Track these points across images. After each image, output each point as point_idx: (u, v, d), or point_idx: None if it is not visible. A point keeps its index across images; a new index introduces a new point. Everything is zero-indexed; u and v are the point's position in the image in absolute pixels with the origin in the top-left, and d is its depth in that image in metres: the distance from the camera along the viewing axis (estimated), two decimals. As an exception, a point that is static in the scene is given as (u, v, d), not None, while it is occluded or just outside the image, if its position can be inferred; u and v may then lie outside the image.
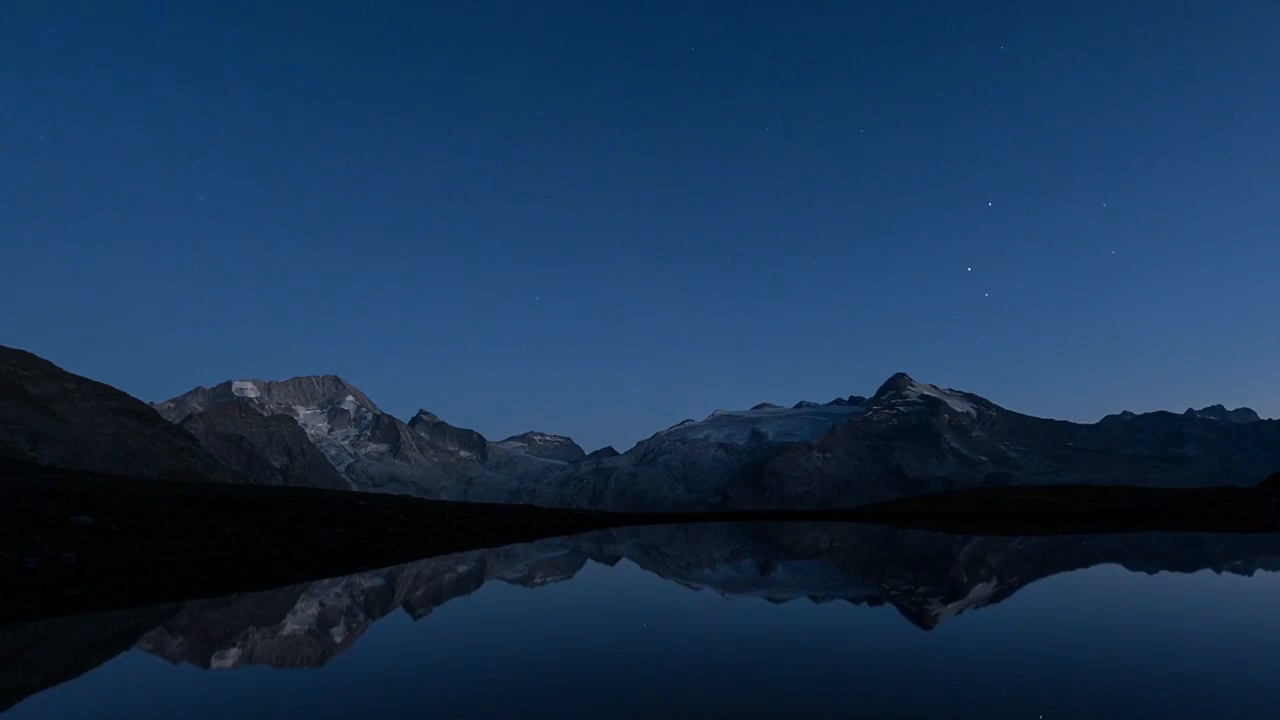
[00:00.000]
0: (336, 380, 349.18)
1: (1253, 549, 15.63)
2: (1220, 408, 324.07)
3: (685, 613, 8.08)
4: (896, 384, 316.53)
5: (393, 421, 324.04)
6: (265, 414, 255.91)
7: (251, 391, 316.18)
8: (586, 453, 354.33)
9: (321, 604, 8.69)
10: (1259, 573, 11.27)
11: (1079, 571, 11.88)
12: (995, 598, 8.60)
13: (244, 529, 19.16)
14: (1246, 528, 23.11)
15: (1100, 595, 8.78)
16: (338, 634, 6.73)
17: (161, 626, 7.56)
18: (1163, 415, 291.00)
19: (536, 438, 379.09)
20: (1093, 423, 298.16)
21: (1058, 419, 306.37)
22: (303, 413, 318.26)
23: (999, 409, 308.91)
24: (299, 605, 8.63)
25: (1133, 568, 12.20)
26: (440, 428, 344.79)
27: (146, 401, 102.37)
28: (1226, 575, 10.80)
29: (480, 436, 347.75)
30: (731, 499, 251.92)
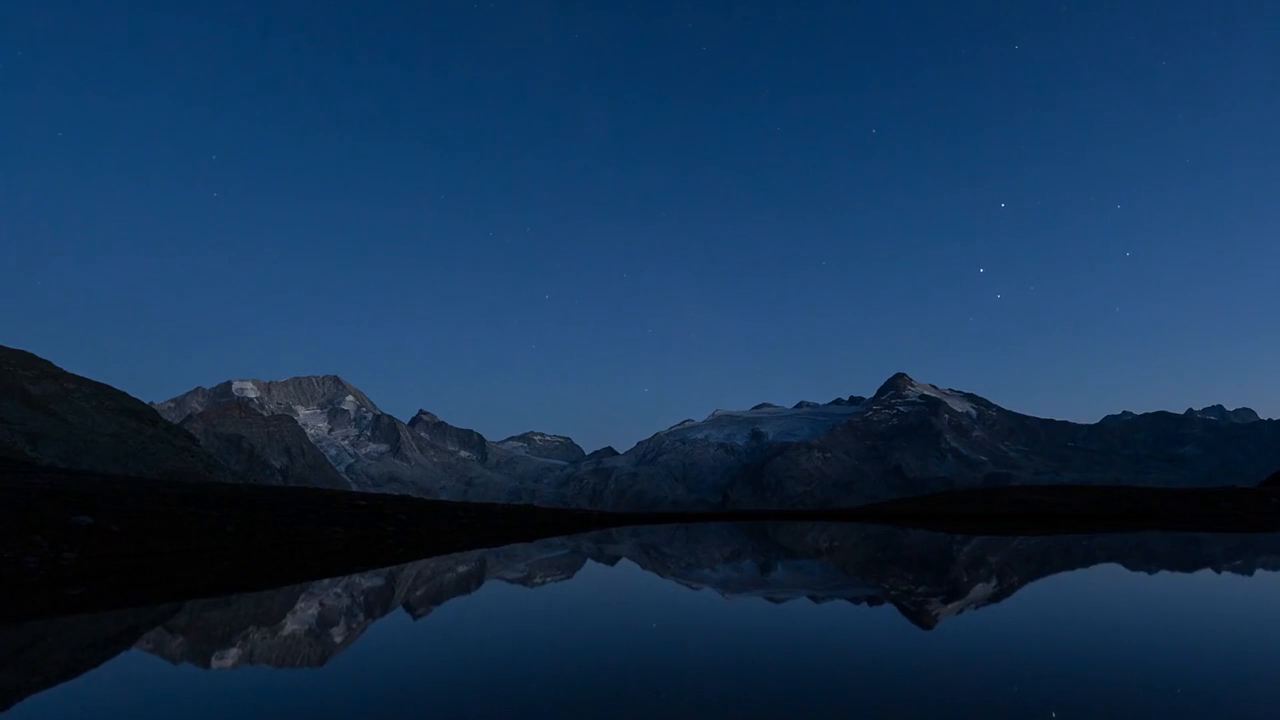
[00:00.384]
0: (336, 380, 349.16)
1: (1253, 549, 15.63)
2: (1220, 408, 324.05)
3: (686, 613, 8.08)
4: (896, 384, 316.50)
5: (393, 421, 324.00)
6: (265, 414, 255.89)
7: (251, 391, 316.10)
8: (586, 453, 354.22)
9: (321, 604, 8.69)
10: (1259, 573, 11.27)
11: (1079, 571, 11.88)
12: (995, 598, 8.60)
13: (244, 529, 19.16)
14: (1246, 528, 23.11)
15: (1100, 595, 8.77)
16: (338, 634, 6.73)
17: (161, 626, 7.56)
18: (1163, 415, 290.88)
19: (536, 438, 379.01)
20: (1093, 423, 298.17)
21: (1058, 419, 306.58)
22: (303, 413, 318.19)
23: (999, 409, 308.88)
24: (299, 605, 8.63)
25: (1133, 568, 12.20)
26: (440, 428, 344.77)
27: (146, 401, 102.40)
28: (1226, 575, 10.80)
29: (480, 436, 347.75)
30: (731, 499, 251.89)
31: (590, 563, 14.98)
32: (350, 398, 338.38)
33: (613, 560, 15.57)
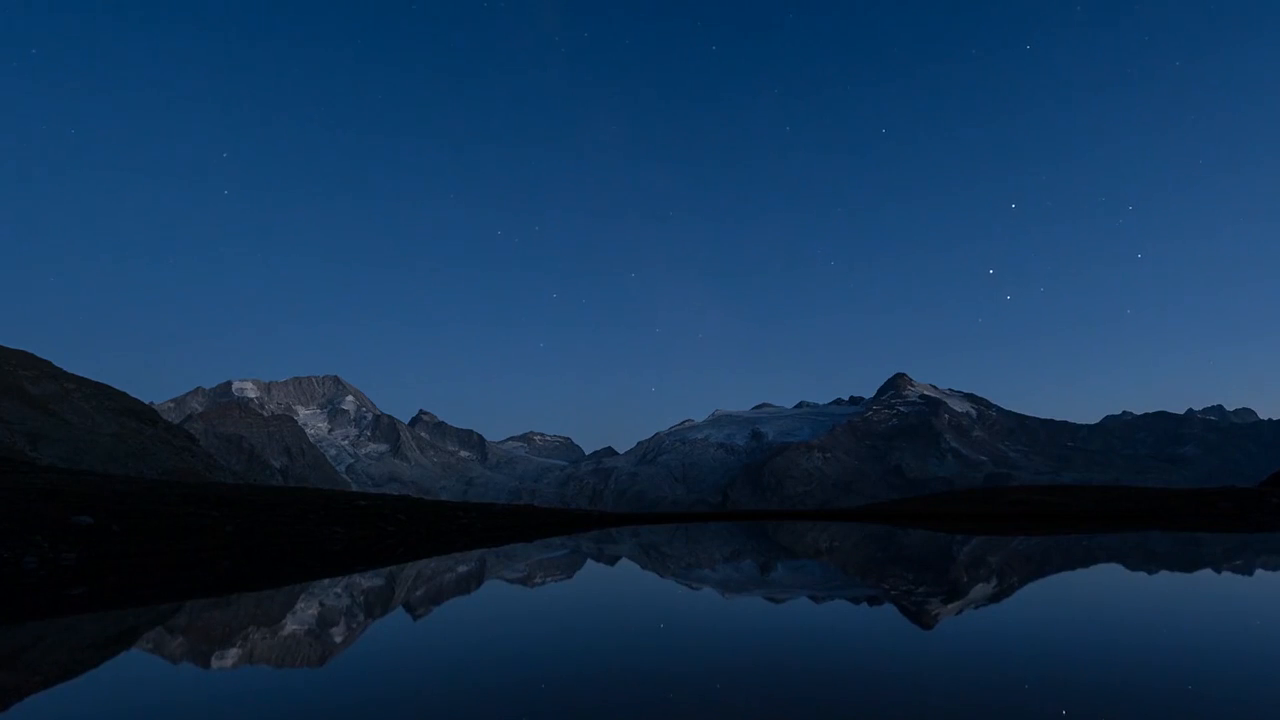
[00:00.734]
0: (336, 380, 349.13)
1: (1253, 549, 15.63)
2: (1220, 408, 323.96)
3: (686, 613, 8.08)
4: (896, 384, 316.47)
5: (393, 421, 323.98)
6: (265, 414, 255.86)
7: (251, 391, 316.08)
8: (586, 453, 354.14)
9: (322, 604, 8.69)
10: (1259, 573, 11.27)
11: (1079, 571, 11.88)
12: (995, 598, 8.59)
13: (244, 529, 19.16)
14: (1246, 528, 23.11)
15: (1100, 595, 8.77)
16: (338, 634, 6.73)
17: (161, 626, 7.56)
18: (1162, 415, 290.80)
19: (536, 438, 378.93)
20: (1093, 423, 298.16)
21: (1058, 419, 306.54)
22: (303, 413, 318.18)
23: (999, 409, 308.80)
24: (299, 605, 8.63)
25: (1133, 568, 12.20)
26: (440, 428, 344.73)
27: (146, 401, 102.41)
28: (1226, 575, 10.80)
29: (480, 436, 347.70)
30: (731, 499, 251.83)
31: (590, 563, 14.98)
32: (350, 398, 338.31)
33: (612, 560, 15.57)
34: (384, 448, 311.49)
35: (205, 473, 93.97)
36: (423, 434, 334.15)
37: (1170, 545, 16.99)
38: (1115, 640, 5.79)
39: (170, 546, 16.47)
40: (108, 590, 10.35)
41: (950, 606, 7.94)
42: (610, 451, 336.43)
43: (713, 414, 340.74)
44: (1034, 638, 6.00)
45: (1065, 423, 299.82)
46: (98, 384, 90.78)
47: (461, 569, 13.49)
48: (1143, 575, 11.06)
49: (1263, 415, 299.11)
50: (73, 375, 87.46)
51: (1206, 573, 11.31)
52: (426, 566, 13.90)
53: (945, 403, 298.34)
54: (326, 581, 11.38)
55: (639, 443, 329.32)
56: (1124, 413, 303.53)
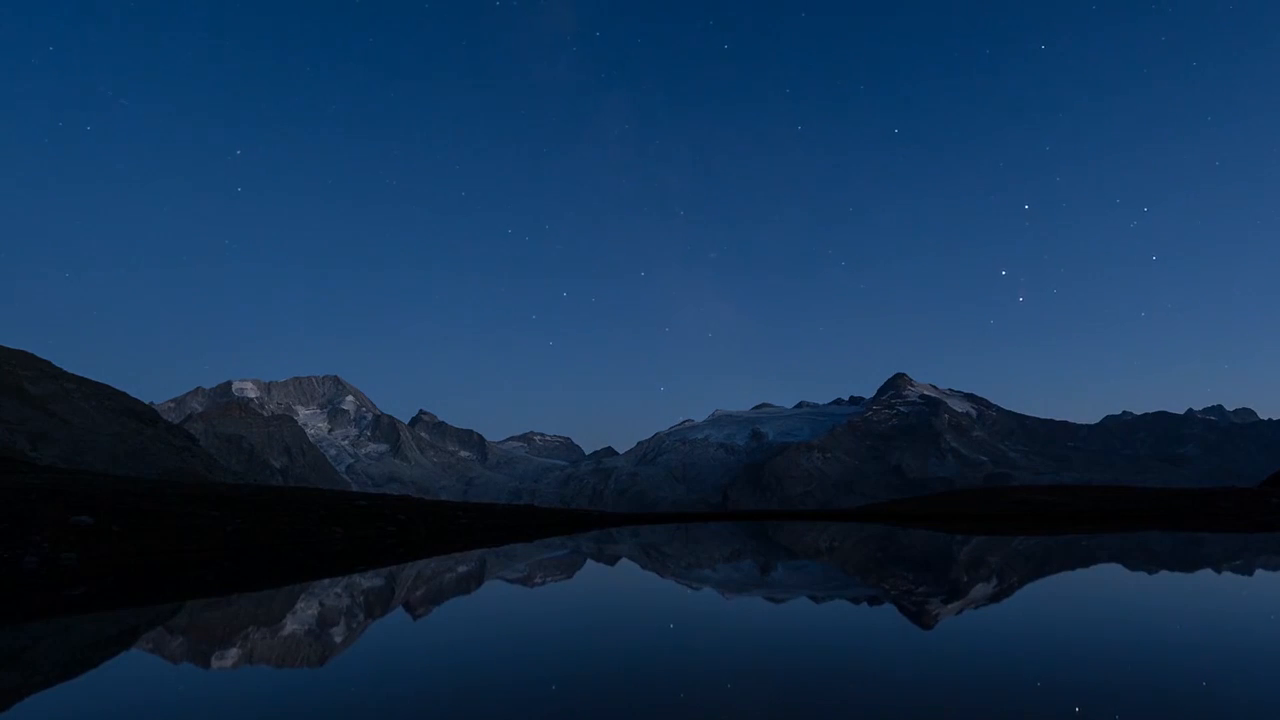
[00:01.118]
0: (336, 380, 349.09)
1: (1253, 549, 15.63)
2: (1220, 408, 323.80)
3: (686, 613, 8.08)
4: (896, 384, 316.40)
5: (393, 421, 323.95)
6: (265, 414, 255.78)
7: (251, 391, 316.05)
8: (586, 453, 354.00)
9: (322, 604, 8.69)
10: (1259, 573, 11.27)
11: (1079, 571, 11.88)
12: (995, 598, 8.59)
13: (244, 529, 19.15)
14: (1246, 528, 23.11)
15: (1100, 595, 8.77)
16: (338, 634, 6.73)
17: (161, 626, 7.56)
18: (1163, 415, 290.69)
19: (536, 438, 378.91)
20: (1093, 423, 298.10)
21: (1058, 419, 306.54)
22: (303, 413, 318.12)
23: (999, 409, 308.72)
24: (299, 605, 8.63)
25: (1133, 568, 12.20)
26: (440, 428, 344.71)
27: (146, 401, 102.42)
28: (1226, 575, 10.80)
29: (480, 436, 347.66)
30: (731, 499, 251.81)
31: (590, 563, 14.97)
32: (350, 398, 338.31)
33: (613, 560, 15.57)
34: (384, 448, 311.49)
35: (205, 473, 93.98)
36: (423, 434, 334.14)
37: (1170, 545, 16.98)
38: (1115, 640, 5.79)
39: (170, 546, 16.47)
40: (108, 590, 10.35)
41: (950, 606, 7.94)
42: (610, 451, 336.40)
43: (713, 414, 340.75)
44: (1034, 638, 6.00)
45: (1065, 423, 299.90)
46: (98, 384, 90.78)
47: (461, 569, 13.49)
48: (1143, 575, 11.06)
49: (1263, 415, 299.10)
50: (73, 375, 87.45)
51: (1207, 573, 11.31)
52: (426, 567, 13.90)
53: (945, 403, 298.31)
54: (326, 581, 11.38)
55: (639, 443, 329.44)
56: (1124, 413, 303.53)
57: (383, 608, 8.65)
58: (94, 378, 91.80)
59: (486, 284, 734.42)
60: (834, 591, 9.68)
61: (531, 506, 52.50)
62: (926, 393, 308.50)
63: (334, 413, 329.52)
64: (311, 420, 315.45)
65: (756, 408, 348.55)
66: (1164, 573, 11.39)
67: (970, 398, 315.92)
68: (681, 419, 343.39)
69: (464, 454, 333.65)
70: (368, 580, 11.53)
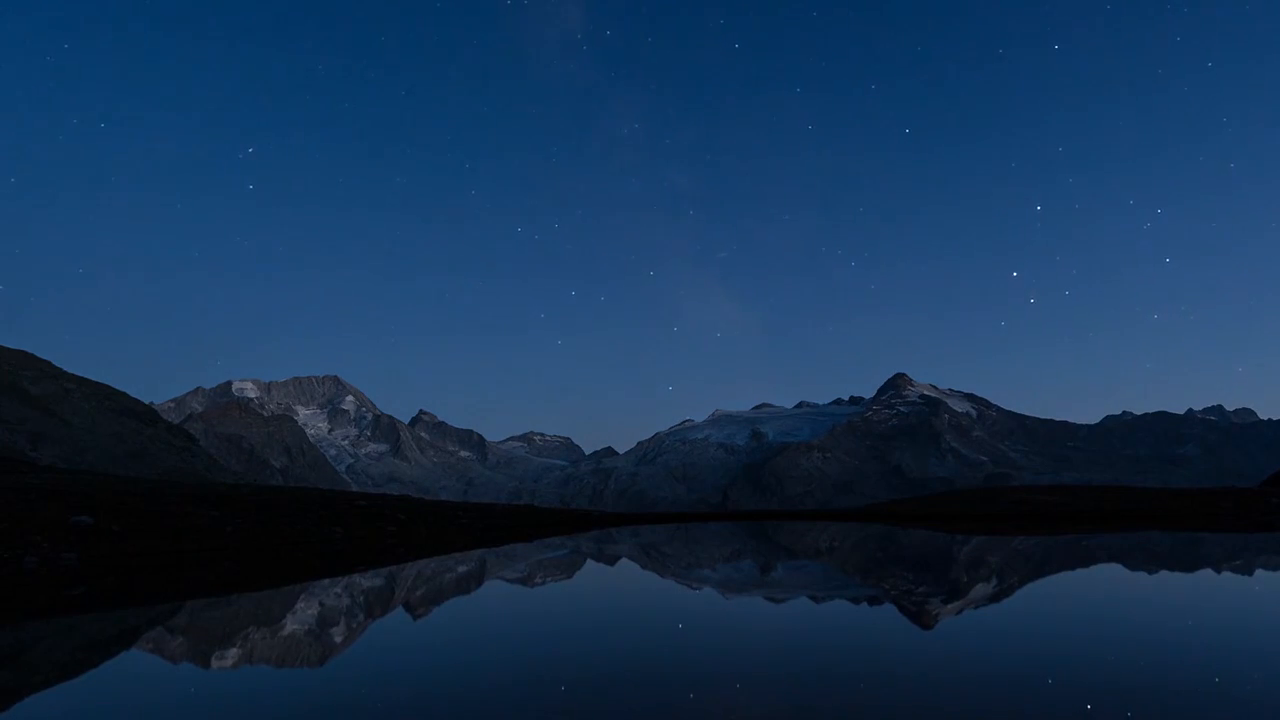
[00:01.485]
0: (336, 380, 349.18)
1: (1253, 549, 15.63)
2: (1220, 408, 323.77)
3: (686, 613, 8.08)
4: (896, 384, 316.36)
5: (393, 421, 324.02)
6: (265, 414, 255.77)
7: (251, 391, 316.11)
8: (586, 453, 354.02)
9: (321, 604, 8.69)
10: (1259, 573, 11.27)
11: (1079, 571, 11.88)
12: (995, 598, 8.59)
13: (244, 529, 19.16)
14: (1246, 528, 23.11)
15: (1100, 595, 8.78)
16: (338, 634, 6.73)
17: (161, 626, 7.56)
18: (1163, 415, 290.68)
19: (536, 438, 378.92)
20: (1093, 423, 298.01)
21: (1058, 419, 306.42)
22: (303, 413, 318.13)
23: (999, 409, 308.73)
24: (299, 605, 8.63)
25: (1133, 568, 12.20)
26: (440, 428, 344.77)
27: (146, 401, 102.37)
28: (1226, 575, 10.80)
29: (480, 436, 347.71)
30: (731, 499, 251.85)
31: (590, 563, 14.97)
32: (350, 398, 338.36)
33: (613, 561, 15.57)
34: (384, 448, 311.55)
35: (205, 473, 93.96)
36: (423, 434, 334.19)
37: (1170, 545, 16.98)
38: (1115, 640, 5.79)
39: (170, 546, 16.47)
40: (108, 590, 10.36)
41: (950, 607, 7.94)
42: (610, 451, 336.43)
43: (713, 414, 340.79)
44: (1034, 638, 6.00)
45: (1065, 423, 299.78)
46: (98, 384, 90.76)
47: (461, 569, 13.49)
48: (1143, 575, 11.06)
49: (1263, 415, 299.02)
50: (73, 375, 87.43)
51: (1207, 573, 11.31)
52: (426, 567, 13.90)
53: (945, 403, 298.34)
54: (326, 581, 11.38)
55: (639, 443, 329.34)
56: (1124, 413, 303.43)
57: (383, 608, 8.65)
58: (94, 378, 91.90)
59: (495, 283, 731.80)
60: (834, 592, 9.67)
61: (531, 506, 52.51)
62: (926, 393, 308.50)
63: (334, 413, 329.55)
64: (311, 420, 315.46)
65: (756, 408, 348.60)
66: (1164, 573, 11.39)
67: (970, 398, 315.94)
68: (682, 419, 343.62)
69: (464, 454, 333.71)
70: (368, 580, 11.53)
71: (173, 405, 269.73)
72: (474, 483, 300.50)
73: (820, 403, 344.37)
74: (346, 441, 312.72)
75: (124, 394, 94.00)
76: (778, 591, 9.71)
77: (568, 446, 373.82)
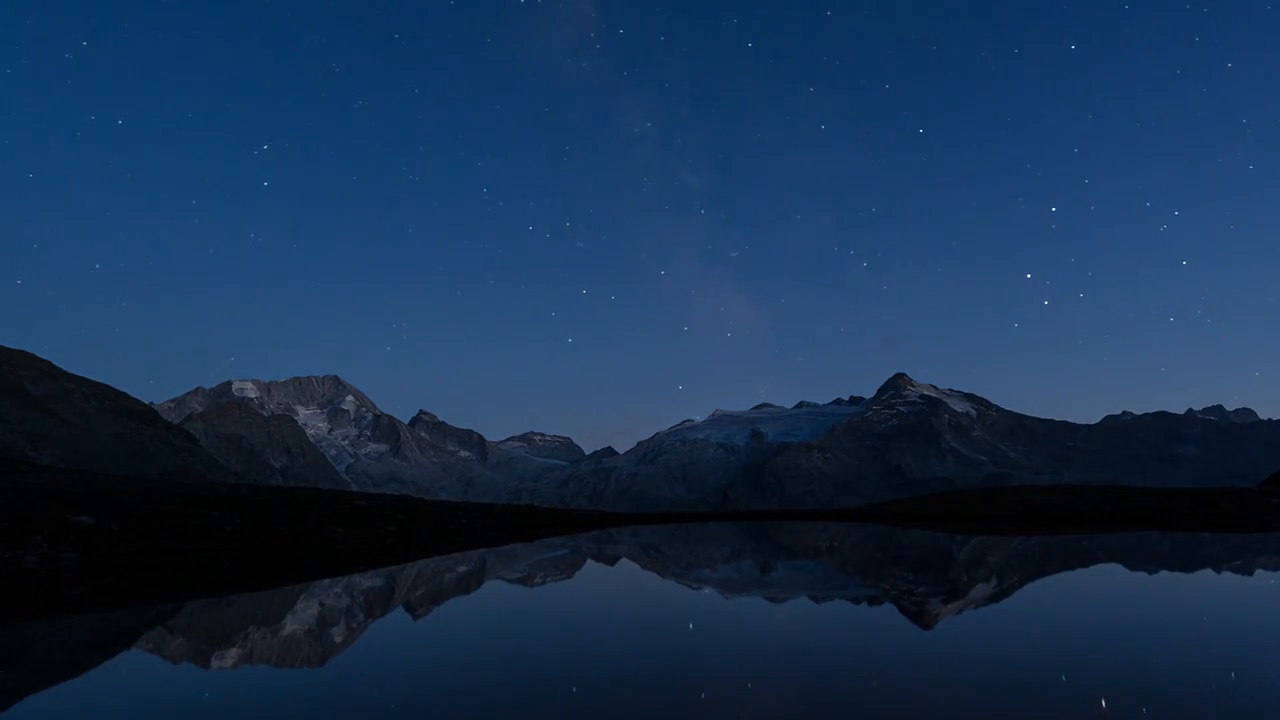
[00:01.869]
0: (336, 380, 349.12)
1: (1253, 549, 15.63)
2: (1220, 408, 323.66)
3: (686, 613, 8.08)
4: (896, 384, 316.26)
5: (393, 421, 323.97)
6: (265, 414, 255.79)
7: (251, 391, 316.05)
8: (586, 453, 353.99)
9: (321, 604, 8.69)
10: (1259, 573, 11.27)
11: (1079, 571, 11.88)
12: (995, 598, 8.59)
13: (244, 529, 19.15)
14: (1246, 528, 23.11)
15: (1100, 596, 8.78)
16: (338, 634, 6.73)
17: (161, 626, 7.56)
18: (1163, 415, 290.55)
19: (536, 438, 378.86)
20: (1093, 423, 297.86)
21: (1058, 419, 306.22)
22: (303, 413, 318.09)
23: (999, 409, 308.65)
24: (299, 605, 8.63)
25: (1133, 568, 12.20)
26: (440, 428, 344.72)
27: (146, 401, 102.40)
28: (1226, 575, 10.80)
29: (480, 436, 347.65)
30: (731, 499, 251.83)
31: (590, 564, 14.98)
32: (350, 398, 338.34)
33: (613, 561, 15.57)
34: (384, 448, 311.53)
35: (205, 473, 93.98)
36: (423, 434, 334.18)
37: (1170, 545, 16.99)
38: (1115, 640, 5.79)
39: (170, 546, 16.47)
40: (108, 590, 10.35)
41: (950, 607, 7.94)
42: (610, 451, 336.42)
43: (713, 414, 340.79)
44: (1034, 638, 6.00)
45: (1065, 423, 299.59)
46: (98, 384, 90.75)
47: (461, 569, 13.49)
48: (1143, 575, 11.06)
49: (1263, 415, 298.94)
50: (73, 375, 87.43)
51: (1207, 573, 11.31)
52: (426, 567, 13.90)
53: (945, 403, 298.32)
54: (326, 581, 11.38)
55: (639, 443, 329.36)
56: (1124, 413, 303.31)
57: (383, 608, 8.65)
58: (94, 378, 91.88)
59: (506, 281, 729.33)
60: (834, 592, 9.68)
61: (531, 506, 52.52)
62: (926, 393, 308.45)
63: (334, 413, 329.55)
64: (311, 420, 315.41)
65: (756, 408, 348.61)
66: (1164, 573, 11.39)
67: (970, 398, 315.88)
68: (681, 419, 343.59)
69: (464, 454, 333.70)
70: (368, 580, 11.53)
71: (173, 405, 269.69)
72: (474, 483, 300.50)
73: (820, 403, 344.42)
74: (346, 441, 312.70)
75: (124, 394, 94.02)
76: (778, 592, 9.71)
77: (568, 446, 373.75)
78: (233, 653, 5.92)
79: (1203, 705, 3.96)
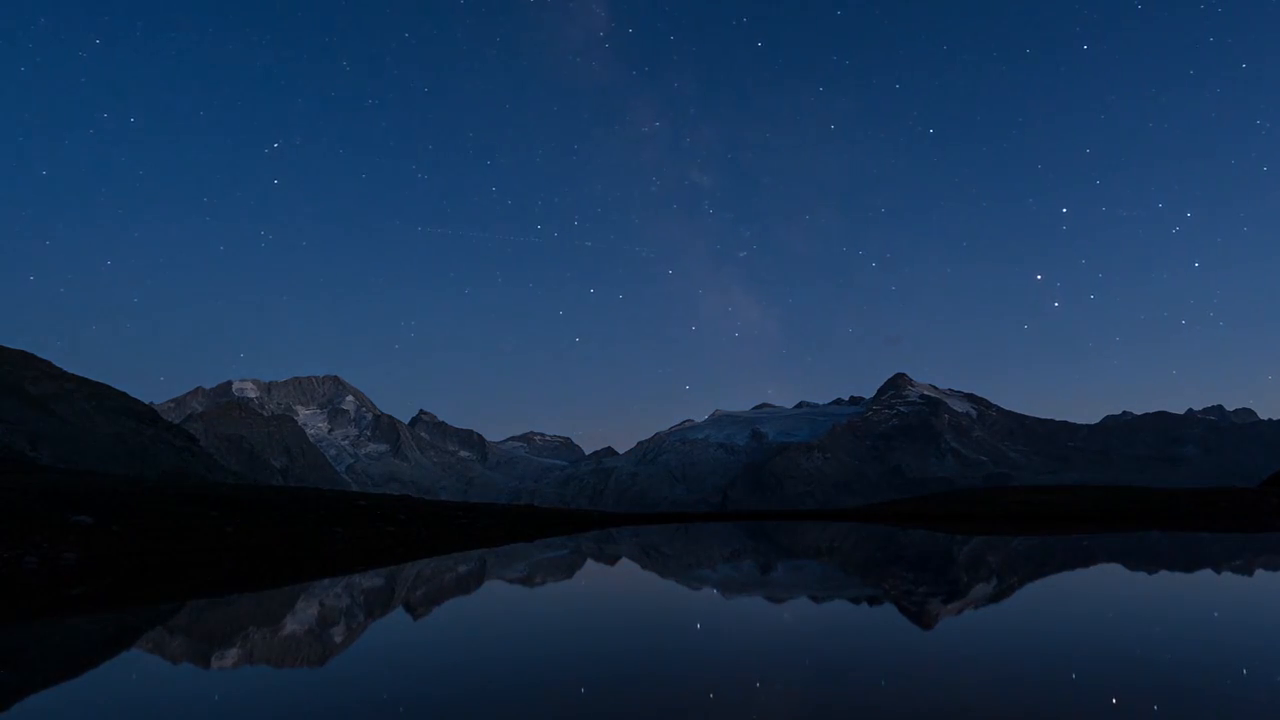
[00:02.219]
0: (336, 380, 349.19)
1: (1253, 549, 15.63)
2: (1220, 408, 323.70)
3: (686, 613, 8.08)
4: (896, 384, 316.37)
5: (393, 421, 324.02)
6: (265, 414, 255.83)
7: (251, 391, 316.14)
8: (586, 453, 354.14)
9: (321, 604, 8.69)
10: (1259, 573, 11.27)
11: (1079, 571, 11.88)
12: (996, 598, 8.59)
13: (244, 529, 19.15)
14: (1246, 528, 23.11)
15: (1100, 596, 8.77)
16: (338, 634, 6.73)
17: (161, 626, 7.56)
18: (1163, 415, 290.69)
19: (536, 438, 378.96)
20: (1093, 423, 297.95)
21: (1058, 419, 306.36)
22: (303, 413, 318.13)
23: (999, 409, 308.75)
24: (299, 605, 8.63)
25: (1133, 568, 12.20)
26: (440, 428, 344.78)
27: (146, 401, 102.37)
28: (1226, 575, 10.80)
29: (480, 436, 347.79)
30: (731, 499, 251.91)
31: (590, 563, 14.98)
32: (350, 398, 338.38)
33: (613, 561, 15.57)
34: (384, 448, 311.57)
35: (205, 473, 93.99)
36: (423, 434, 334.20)
37: (1170, 545, 16.99)
38: (1115, 641, 5.79)
39: (170, 546, 16.47)
40: (108, 590, 10.35)
41: (950, 607, 7.94)
42: (610, 451, 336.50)
43: (713, 414, 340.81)
44: (1034, 638, 6.00)
45: (1065, 423, 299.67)
46: (98, 384, 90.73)
47: (461, 569, 13.49)
48: (1143, 575, 11.05)
49: (1263, 415, 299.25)
50: (73, 375, 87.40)
51: (1206, 573, 11.31)
52: (426, 567, 13.90)
53: (945, 403, 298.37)
54: (326, 581, 11.38)
55: (639, 443, 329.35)
56: (1124, 413, 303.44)
57: (383, 608, 8.65)
58: (94, 378, 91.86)
59: (513, 280, 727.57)
60: (835, 592, 9.67)
61: (531, 506, 52.51)
62: (926, 393, 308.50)
63: (334, 413, 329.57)
64: (311, 420, 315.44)
65: (756, 408, 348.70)
66: (1164, 573, 11.39)
67: (970, 398, 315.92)
68: (681, 419, 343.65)
69: (464, 454, 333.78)
70: (368, 580, 11.53)
71: (173, 405, 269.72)
72: (474, 483, 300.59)
73: (820, 403, 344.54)
74: (346, 441, 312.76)
75: (124, 394, 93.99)
76: (778, 592, 9.71)
77: (568, 446, 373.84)
78: (233, 653, 5.92)
79: (1203, 705, 3.96)
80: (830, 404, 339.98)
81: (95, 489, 22.06)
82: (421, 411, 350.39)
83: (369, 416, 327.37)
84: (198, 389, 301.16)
